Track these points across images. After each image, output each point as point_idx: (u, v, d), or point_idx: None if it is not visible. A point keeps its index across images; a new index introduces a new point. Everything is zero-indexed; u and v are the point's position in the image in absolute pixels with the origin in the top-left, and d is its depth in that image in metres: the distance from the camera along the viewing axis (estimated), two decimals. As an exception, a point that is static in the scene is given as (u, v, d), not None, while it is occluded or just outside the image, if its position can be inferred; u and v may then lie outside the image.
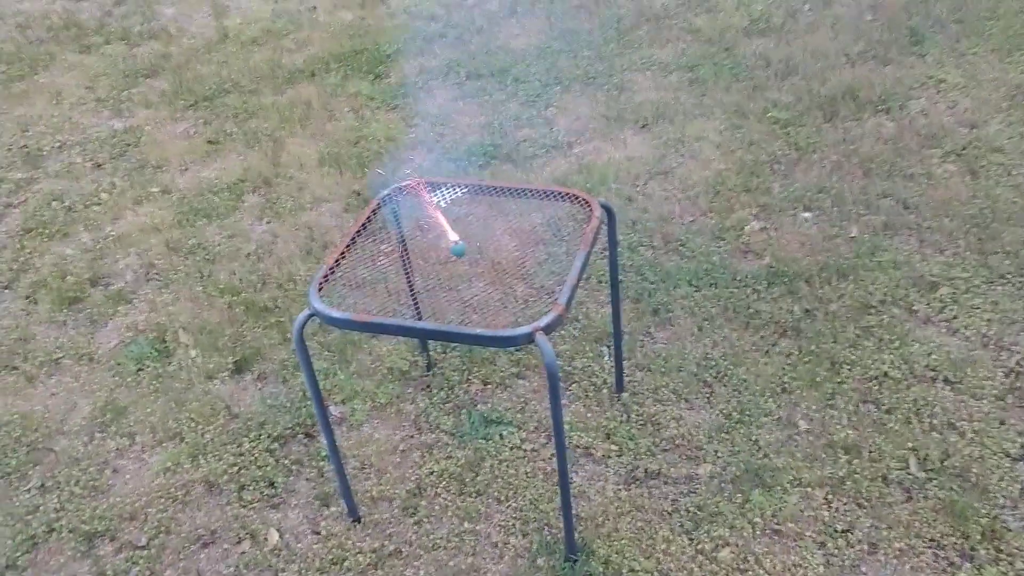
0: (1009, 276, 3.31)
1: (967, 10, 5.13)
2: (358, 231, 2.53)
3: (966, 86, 4.47)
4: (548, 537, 2.61)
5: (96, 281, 3.77)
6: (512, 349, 3.21)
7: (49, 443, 3.06)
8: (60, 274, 3.80)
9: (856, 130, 4.23)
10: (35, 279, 3.80)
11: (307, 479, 2.86)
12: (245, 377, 3.25)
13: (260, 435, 2.99)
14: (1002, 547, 2.45)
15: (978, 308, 3.19)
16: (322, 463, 2.89)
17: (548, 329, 2.13)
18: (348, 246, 2.48)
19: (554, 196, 2.60)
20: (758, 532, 2.56)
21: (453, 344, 3.25)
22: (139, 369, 3.30)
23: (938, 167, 3.92)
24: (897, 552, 2.48)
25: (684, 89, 4.69)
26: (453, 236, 2.48)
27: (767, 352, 3.12)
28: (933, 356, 3.02)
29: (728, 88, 4.66)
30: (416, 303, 2.88)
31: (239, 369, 3.28)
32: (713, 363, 3.10)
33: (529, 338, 2.12)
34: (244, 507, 2.78)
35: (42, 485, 2.91)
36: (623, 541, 2.56)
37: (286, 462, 2.91)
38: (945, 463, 2.68)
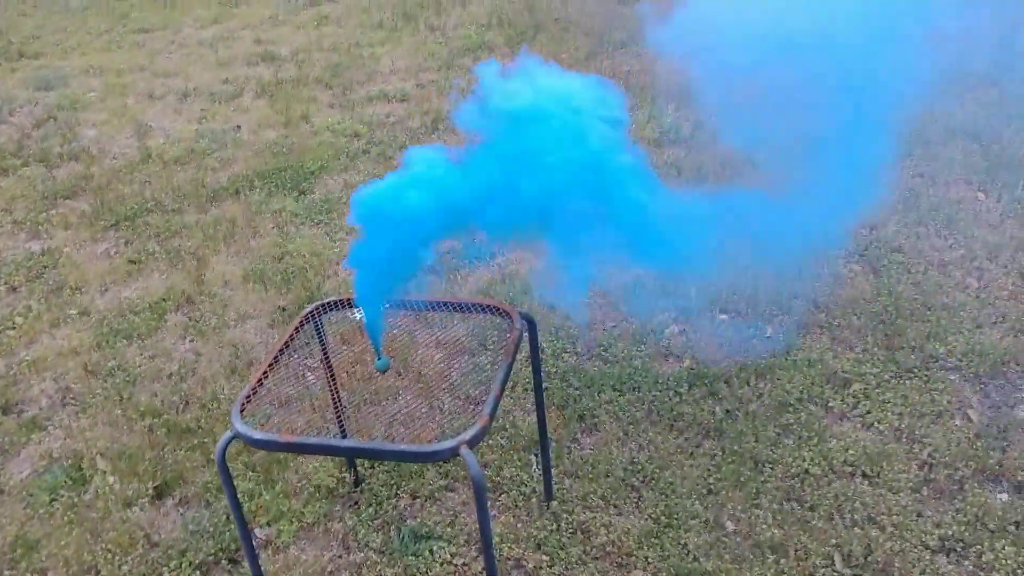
0: (916, 370, 3.45)
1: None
2: (281, 349, 2.53)
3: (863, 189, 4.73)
4: (481, 656, 2.56)
5: (8, 409, 3.65)
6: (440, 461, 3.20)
7: (-47, 583, 2.90)
8: (-30, 403, 3.67)
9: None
10: (-57, 409, 3.67)
11: (231, 608, 2.77)
12: (166, 502, 3.16)
13: (181, 563, 2.89)
14: (928, 640, 2.49)
15: (889, 402, 3.31)
16: (246, 590, 2.81)
17: (473, 442, 2.15)
18: (271, 365, 2.48)
19: (476, 309, 2.66)
20: (692, 638, 2.56)
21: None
22: (52, 499, 3.18)
23: (843, 267, 4.11)
24: (828, 651, 2.50)
25: (601, 199, 4.85)
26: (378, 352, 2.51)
27: (691, 454, 3.17)
28: (850, 451, 3.11)
29: (643, 197, 4.84)
30: (341, 419, 2.87)
31: (160, 494, 3.18)
32: (640, 467, 3.13)
33: (454, 452, 2.13)
34: (164, 642, 2.67)
35: (-56, 630, 2.75)
36: (558, 655, 2.53)
37: (209, 591, 2.82)
38: (868, 559, 2.73)
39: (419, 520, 3.01)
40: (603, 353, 3.70)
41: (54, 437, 3.49)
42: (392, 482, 3.17)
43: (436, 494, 3.11)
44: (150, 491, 3.18)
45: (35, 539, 3.03)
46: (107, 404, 3.62)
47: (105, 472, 3.27)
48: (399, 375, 3.59)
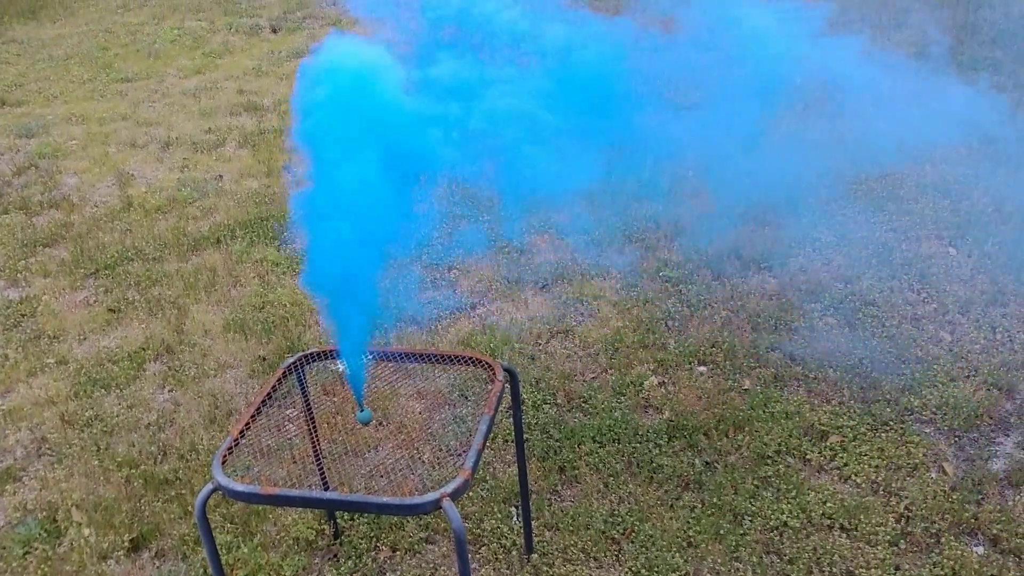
0: (891, 423, 3.50)
1: (834, 175, 5.60)
2: (263, 400, 2.54)
3: (838, 244, 4.83)
4: None
5: (-17, 459, 3.61)
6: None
7: (-78, 639, 2.84)
8: (-57, 453, 3.63)
9: (743, 287, 4.49)
10: (-85, 459, 3.62)
11: (207, 664, 2.73)
12: (142, 555, 3.12)
13: (157, 618, 2.86)
14: None
15: (866, 455, 3.35)
16: (223, 645, 2.76)
17: (455, 495, 2.16)
18: (253, 416, 2.48)
19: (459, 361, 2.68)
20: None
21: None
22: (26, 552, 3.14)
23: (819, 320, 4.18)
24: None
25: (580, 250, 4.92)
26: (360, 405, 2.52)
27: (671, 506, 3.18)
28: (828, 504, 3.14)
29: (622, 249, 4.91)
30: (322, 471, 2.86)
31: (136, 547, 3.15)
32: (620, 519, 3.14)
33: (436, 505, 2.14)
34: None
35: None
36: None
37: (184, 646, 2.78)
38: (847, 611, 2.75)
39: (399, 573, 2.99)
40: (583, 405, 3.72)
41: (29, 488, 3.45)
42: (372, 534, 3.15)
43: (416, 547, 3.10)
44: (126, 544, 3.15)
45: (7, 593, 2.98)
46: (83, 455, 3.58)
47: (80, 524, 3.23)
48: (380, 425, 3.59)
